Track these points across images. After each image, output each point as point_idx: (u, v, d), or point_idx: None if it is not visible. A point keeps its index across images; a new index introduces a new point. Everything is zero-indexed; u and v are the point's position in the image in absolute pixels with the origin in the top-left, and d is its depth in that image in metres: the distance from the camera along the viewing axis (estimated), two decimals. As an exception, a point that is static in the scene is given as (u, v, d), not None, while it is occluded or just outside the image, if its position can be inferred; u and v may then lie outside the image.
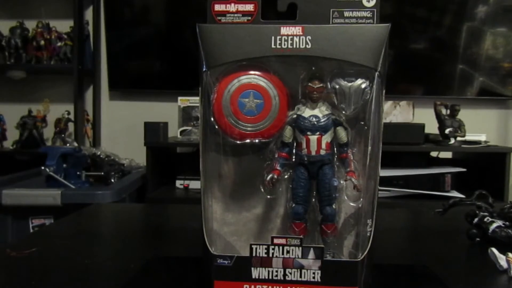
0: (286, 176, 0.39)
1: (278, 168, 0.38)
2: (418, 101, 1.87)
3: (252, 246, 0.37)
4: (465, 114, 1.75)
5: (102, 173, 1.74)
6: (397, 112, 1.78)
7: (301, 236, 0.37)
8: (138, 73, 2.15)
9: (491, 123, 2.16)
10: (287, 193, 0.39)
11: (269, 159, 0.39)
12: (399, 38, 2.04)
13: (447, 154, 1.97)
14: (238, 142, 0.38)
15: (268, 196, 0.40)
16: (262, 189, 0.39)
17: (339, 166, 0.39)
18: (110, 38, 2.10)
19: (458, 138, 1.72)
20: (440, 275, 0.46)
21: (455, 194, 1.61)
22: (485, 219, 0.60)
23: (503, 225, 0.59)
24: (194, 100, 1.83)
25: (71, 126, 2.10)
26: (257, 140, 0.38)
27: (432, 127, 1.75)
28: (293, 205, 0.39)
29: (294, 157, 0.39)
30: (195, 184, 1.77)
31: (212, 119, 0.38)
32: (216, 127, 0.38)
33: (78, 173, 1.65)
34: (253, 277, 0.37)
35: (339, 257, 0.39)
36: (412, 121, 1.76)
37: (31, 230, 1.47)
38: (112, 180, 1.72)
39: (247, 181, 0.39)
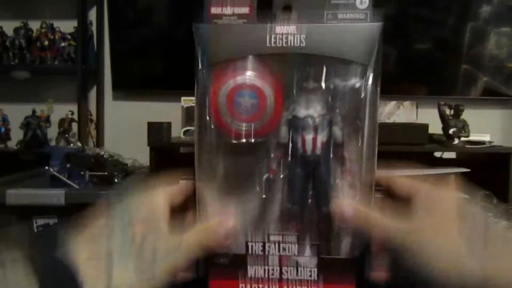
0: (282, 176, 0.39)
1: (274, 168, 0.38)
2: (421, 101, 1.86)
3: (248, 243, 0.37)
4: (469, 114, 1.74)
5: (106, 173, 1.74)
6: (401, 112, 1.77)
7: (297, 233, 0.38)
8: (141, 73, 2.15)
9: (495, 123, 2.15)
10: (283, 193, 0.39)
11: (265, 159, 0.39)
12: (402, 38, 2.04)
13: (451, 155, 1.96)
14: (234, 141, 0.38)
15: (264, 196, 0.39)
16: (258, 189, 0.39)
17: (335, 165, 0.39)
18: (114, 38, 2.11)
19: (462, 139, 1.71)
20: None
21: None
22: (489, 220, 0.60)
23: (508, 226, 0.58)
24: (197, 100, 1.83)
25: (74, 126, 2.11)
26: (252, 140, 0.38)
27: (436, 127, 1.75)
28: (289, 205, 0.39)
29: (289, 157, 0.39)
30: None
31: (208, 118, 0.38)
32: (212, 126, 0.38)
33: (81, 173, 1.66)
34: (249, 275, 0.37)
35: (336, 255, 0.39)
36: (416, 121, 1.76)
37: (35, 230, 1.47)
38: (116, 180, 1.72)
39: (243, 181, 0.39)
